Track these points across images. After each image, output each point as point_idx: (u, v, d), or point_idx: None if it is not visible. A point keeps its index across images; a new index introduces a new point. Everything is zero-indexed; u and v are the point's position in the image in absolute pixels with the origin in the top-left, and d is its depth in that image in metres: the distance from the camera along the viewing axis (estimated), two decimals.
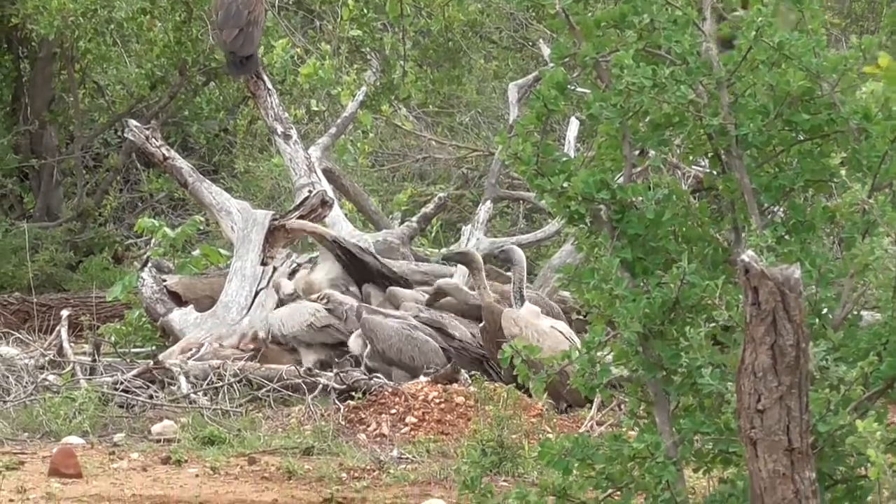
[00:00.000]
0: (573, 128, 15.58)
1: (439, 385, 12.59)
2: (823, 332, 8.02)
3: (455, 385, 12.55)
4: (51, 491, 11.18)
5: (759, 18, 7.96)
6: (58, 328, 13.22)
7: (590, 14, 8.46)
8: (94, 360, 12.83)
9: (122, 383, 12.56)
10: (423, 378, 12.74)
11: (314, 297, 13.44)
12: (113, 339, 13.67)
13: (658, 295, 8.00)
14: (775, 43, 7.93)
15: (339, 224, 14.17)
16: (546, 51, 16.69)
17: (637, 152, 8.46)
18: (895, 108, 8.34)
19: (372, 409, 12.29)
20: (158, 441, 11.65)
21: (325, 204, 13.51)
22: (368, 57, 14.66)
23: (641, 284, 8.35)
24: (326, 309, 13.05)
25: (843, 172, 8.49)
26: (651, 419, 8.34)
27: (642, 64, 8.12)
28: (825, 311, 8.20)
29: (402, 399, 12.30)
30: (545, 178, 8.42)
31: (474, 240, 14.59)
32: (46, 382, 12.61)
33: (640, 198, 8.38)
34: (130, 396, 12.43)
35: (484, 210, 14.94)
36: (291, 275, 13.79)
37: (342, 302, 13.12)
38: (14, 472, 11.53)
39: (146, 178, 16.17)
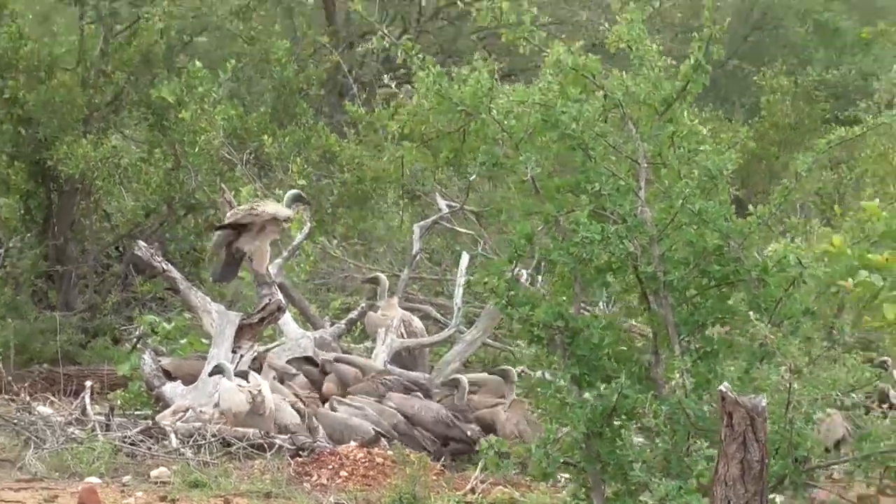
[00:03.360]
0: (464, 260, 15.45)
1: (364, 448, 12.46)
2: None
3: (376, 449, 12.44)
4: None
5: (687, 190, 8.14)
6: (82, 394, 13.37)
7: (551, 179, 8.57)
8: (108, 420, 12.93)
9: (128, 438, 12.69)
10: (352, 443, 12.52)
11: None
12: (119, 402, 13.67)
13: (599, 404, 8.10)
14: (696, 209, 8.04)
15: (289, 324, 14.77)
16: (441, 202, 16.67)
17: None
18: (789, 268, 8.51)
19: (314, 465, 12.46)
20: (156, 483, 12.03)
21: (279, 309, 13.92)
22: (308, 200, 14.75)
23: (586, 395, 8.37)
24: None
25: (751, 313, 8.45)
26: (588, 501, 8.44)
27: (593, 222, 8.25)
28: None
29: (337, 458, 12.53)
30: (514, 308, 8.54)
31: (389, 339, 14.57)
32: (73, 435, 12.64)
33: (587, 326, 8.44)
34: (135, 448, 12.62)
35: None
36: (253, 361, 13.66)
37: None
38: None
39: (139, 282, 16.29)
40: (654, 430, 8.10)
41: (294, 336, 14.92)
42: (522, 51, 8.17)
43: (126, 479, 12.44)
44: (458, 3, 24.29)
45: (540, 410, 8.98)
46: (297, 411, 13.72)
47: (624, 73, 8.06)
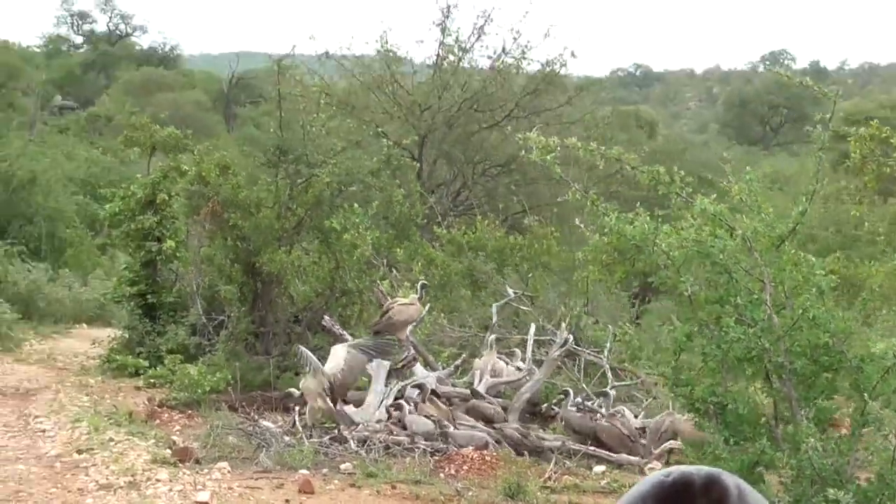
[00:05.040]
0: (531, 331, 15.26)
1: (478, 451, 12.05)
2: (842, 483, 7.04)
3: (485, 451, 12.02)
4: (302, 501, 10.55)
5: (808, 303, 7.09)
6: (292, 414, 12.86)
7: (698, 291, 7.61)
8: (310, 431, 12.61)
9: (323, 443, 12.23)
10: (469, 447, 12.10)
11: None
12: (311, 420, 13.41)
13: (745, 458, 7.15)
14: (811, 316, 6.96)
15: (418, 368, 14.07)
16: (509, 290, 16.61)
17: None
18: (886, 359, 7.30)
19: (446, 462, 12.02)
20: (345, 474, 11.46)
21: (414, 359, 13.53)
22: (428, 289, 14.93)
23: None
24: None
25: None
26: None
27: (737, 325, 7.42)
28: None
29: (460, 457, 12.12)
30: (678, 387, 7.86)
31: (486, 378, 14.38)
32: (288, 441, 12.15)
33: (734, 401, 7.56)
34: (328, 449, 12.07)
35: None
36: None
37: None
38: (279, 490, 10.91)
39: (313, 336, 16.10)
40: (785, 479, 7.34)
41: (421, 375, 14.44)
42: (675, 202, 7.70)
43: (325, 471, 12.12)
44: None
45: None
46: (436, 423, 13.22)
47: (744, 216, 7.57)
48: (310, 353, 13.70)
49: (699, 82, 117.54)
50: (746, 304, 7.26)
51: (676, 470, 1.53)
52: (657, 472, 1.55)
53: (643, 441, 13.25)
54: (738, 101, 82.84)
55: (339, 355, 14.04)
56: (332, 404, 13.53)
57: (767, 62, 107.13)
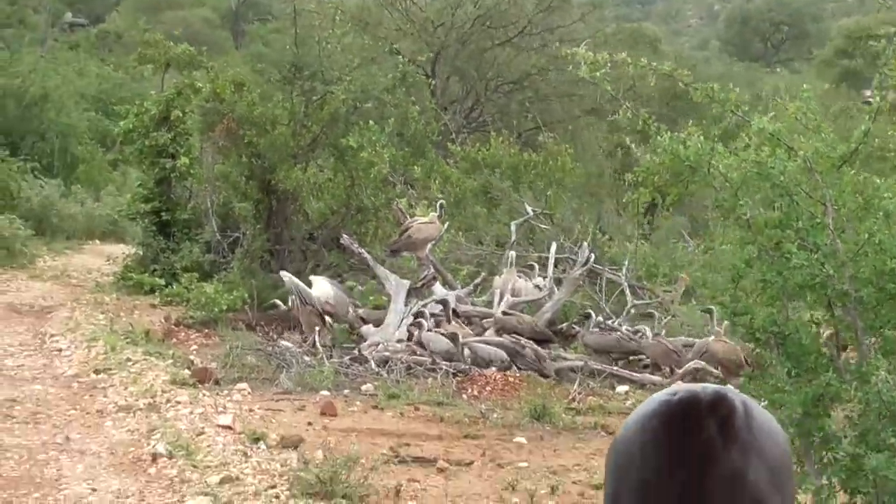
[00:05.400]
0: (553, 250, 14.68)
1: (501, 372, 11.55)
2: None
3: (508, 372, 11.51)
4: (325, 423, 10.37)
5: (875, 227, 6.39)
6: (313, 335, 12.30)
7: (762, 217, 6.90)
8: (330, 350, 12.04)
9: (344, 363, 11.73)
10: (492, 367, 11.55)
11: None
12: (331, 338, 12.80)
13: (810, 390, 6.60)
14: (877, 241, 6.33)
15: (437, 287, 13.53)
16: (528, 208, 16.07)
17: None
18: None
19: (468, 383, 11.66)
20: (366, 395, 11.06)
21: (434, 279, 13.13)
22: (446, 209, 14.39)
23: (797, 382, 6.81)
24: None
25: None
26: (801, 464, 6.74)
27: (800, 251, 6.79)
28: None
29: (483, 378, 11.73)
30: (737, 316, 7.08)
31: (507, 297, 13.90)
32: (308, 361, 11.62)
33: (796, 330, 6.84)
34: (349, 370, 11.64)
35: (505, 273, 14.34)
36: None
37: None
38: (301, 412, 10.76)
39: (328, 254, 15.63)
40: (851, 413, 6.78)
41: (440, 294, 13.91)
42: (728, 120, 7.03)
43: (346, 392, 11.73)
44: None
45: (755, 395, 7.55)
46: (453, 341, 12.67)
47: (802, 137, 6.90)
48: (295, 280, 13.26)
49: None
50: (808, 229, 6.69)
51: (683, 388, 1.51)
52: (663, 391, 1.53)
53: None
54: (739, 19, 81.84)
55: (324, 286, 13.59)
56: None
57: None
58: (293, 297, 13.35)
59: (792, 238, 6.67)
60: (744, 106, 7.03)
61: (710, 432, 1.45)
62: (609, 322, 13.83)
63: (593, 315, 13.75)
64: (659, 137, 6.87)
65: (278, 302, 13.93)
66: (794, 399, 6.46)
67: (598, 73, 6.71)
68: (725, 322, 10.65)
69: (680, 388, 1.52)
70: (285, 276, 13.56)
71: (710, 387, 1.51)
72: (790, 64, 69.22)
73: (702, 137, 6.78)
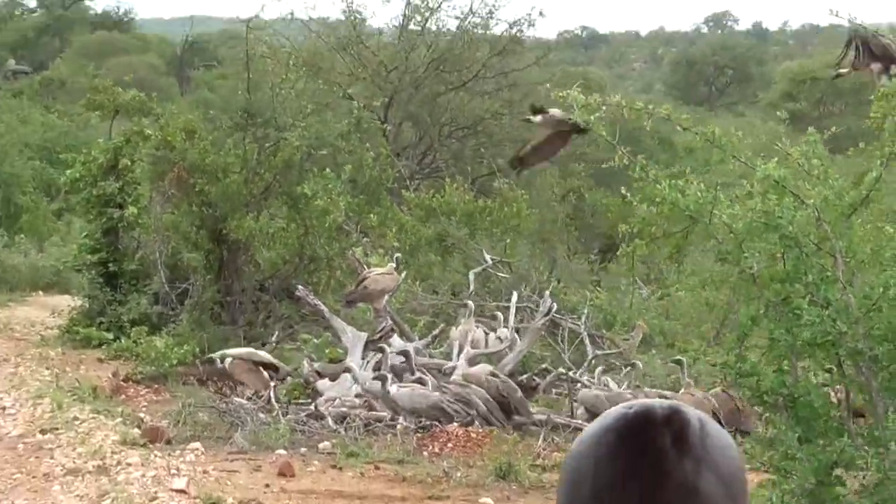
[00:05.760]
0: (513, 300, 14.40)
1: (463, 427, 11.20)
2: None
3: (469, 428, 11.17)
4: (282, 485, 9.94)
5: (892, 280, 6.01)
6: (267, 392, 11.95)
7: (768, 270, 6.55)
8: (286, 407, 11.60)
9: (300, 420, 11.30)
10: (454, 423, 11.23)
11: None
12: (285, 393, 12.43)
13: (823, 457, 6.32)
14: (892, 295, 5.95)
15: (395, 339, 13.18)
16: (486, 256, 15.78)
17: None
18: None
19: (429, 439, 11.13)
20: (324, 453, 10.55)
21: (392, 331, 12.61)
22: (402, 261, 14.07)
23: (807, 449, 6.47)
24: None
25: None
26: None
27: (810, 307, 6.49)
28: None
29: (445, 434, 11.19)
30: (743, 378, 6.80)
31: (466, 348, 13.48)
32: (264, 418, 11.22)
33: (808, 393, 6.61)
34: (306, 426, 11.22)
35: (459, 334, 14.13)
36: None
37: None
38: (257, 472, 10.29)
39: (280, 305, 15.35)
40: (867, 482, 6.55)
41: (398, 346, 13.53)
42: (731, 166, 6.72)
43: (303, 450, 11.39)
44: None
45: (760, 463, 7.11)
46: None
47: (806, 184, 6.55)
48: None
49: (644, 44, 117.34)
50: (818, 283, 6.37)
51: (639, 402, 1.54)
52: (620, 405, 1.54)
53: None
54: (683, 62, 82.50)
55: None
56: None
57: (711, 24, 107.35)
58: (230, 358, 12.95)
59: (801, 293, 6.37)
60: (746, 152, 6.73)
61: (665, 445, 1.47)
62: (571, 374, 13.63)
63: (573, 377, 13.16)
64: (657, 186, 6.53)
65: (215, 356, 13.22)
66: (806, 468, 6.10)
67: (591, 118, 6.41)
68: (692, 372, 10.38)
69: (636, 402, 1.55)
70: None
71: (666, 401, 1.54)
72: (734, 107, 69.93)
73: (702, 185, 6.46)
